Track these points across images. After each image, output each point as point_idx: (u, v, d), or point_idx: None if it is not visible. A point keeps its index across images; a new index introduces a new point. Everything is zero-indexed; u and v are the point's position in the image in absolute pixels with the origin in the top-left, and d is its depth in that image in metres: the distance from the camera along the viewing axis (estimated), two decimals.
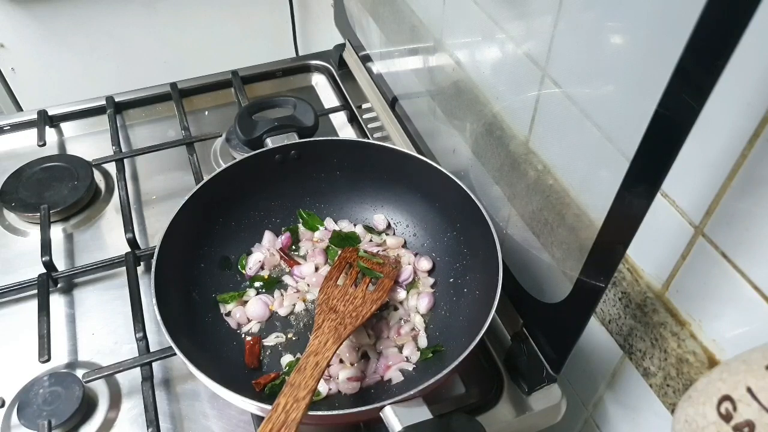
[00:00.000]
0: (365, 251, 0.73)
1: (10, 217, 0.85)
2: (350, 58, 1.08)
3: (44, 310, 0.69)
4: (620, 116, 0.50)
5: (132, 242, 0.77)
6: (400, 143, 0.92)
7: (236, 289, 0.71)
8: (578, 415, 0.71)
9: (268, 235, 0.76)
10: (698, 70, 0.33)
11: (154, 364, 0.66)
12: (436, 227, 0.75)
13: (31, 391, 0.63)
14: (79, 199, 0.85)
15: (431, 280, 0.72)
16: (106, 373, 0.64)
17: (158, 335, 0.69)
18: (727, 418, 0.37)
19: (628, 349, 0.58)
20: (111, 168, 0.90)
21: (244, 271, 0.73)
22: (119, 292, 0.75)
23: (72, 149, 0.95)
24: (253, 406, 0.54)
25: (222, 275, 0.72)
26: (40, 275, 0.73)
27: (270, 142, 0.76)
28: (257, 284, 0.72)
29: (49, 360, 0.65)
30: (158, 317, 0.57)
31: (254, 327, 0.68)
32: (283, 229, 0.77)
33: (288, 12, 1.51)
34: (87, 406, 0.64)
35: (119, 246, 0.78)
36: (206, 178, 0.69)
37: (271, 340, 0.67)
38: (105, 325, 0.73)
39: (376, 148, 0.74)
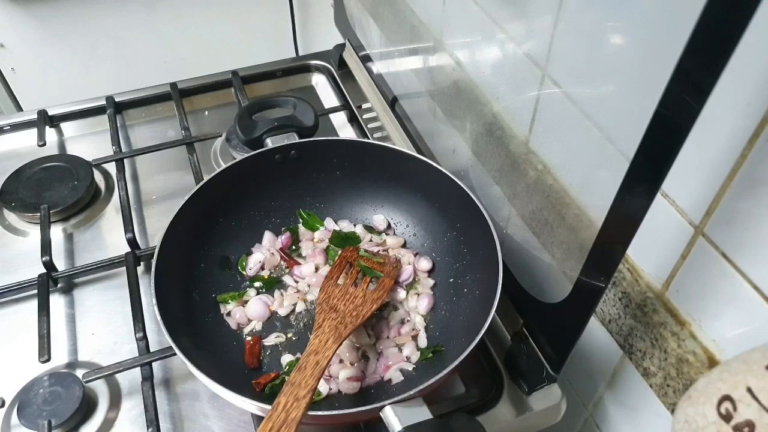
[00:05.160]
0: (366, 250, 0.73)
1: (10, 217, 0.85)
2: (350, 58, 1.08)
3: (44, 310, 0.69)
4: (620, 116, 0.50)
5: (132, 242, 0.77)
6: (400, 143, 0.92)
7: (236, 289, 0.71)
8: (578, 415, 0.71)
9: (268, 235, 0.76)
10: (698, 70, 0.33)
11: (154, 364, 0.66)
12: (436, 227, 0.75)
13: (31, 391, 0.63)
14: (79, 199, 0.85)
15: (431, 281, 0.72)
16: (106, 373, 0.64)
17: (158, 335, 0.69)
18: (727, 418, 0.37)
19: (628, 349, 0.58)
20: (111, 168, 0.90)
21: (244, 272, 0.73)
22: (119, 292, 0.75)
23: (72, 149, 0.95)
24: (253, 406, 0.54)
25: (222, 275, 0.72)
26: (40, 275, 0.73)
27: (270, 142, 0.76)
28: (257, 284, 0.72)
29: (49, 360, 0.65)
30: (158, 317, 0.57)
31: (254, 327, 0.68)
32: (283, 229, 0.77)
33: (288, 12, 1.51)
34: (87, 406, 0.64)
35: (119, 246, 0.78)
36: (206, 178, 0.69)
37: (271, 340, 0.67)
38: (105, 325, 0.73)
39: (376, 148, 0.74)
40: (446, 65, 0.77)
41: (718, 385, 0.39)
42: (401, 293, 0.71)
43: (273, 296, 0.71)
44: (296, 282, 0.73)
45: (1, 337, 0.72)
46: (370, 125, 0.99)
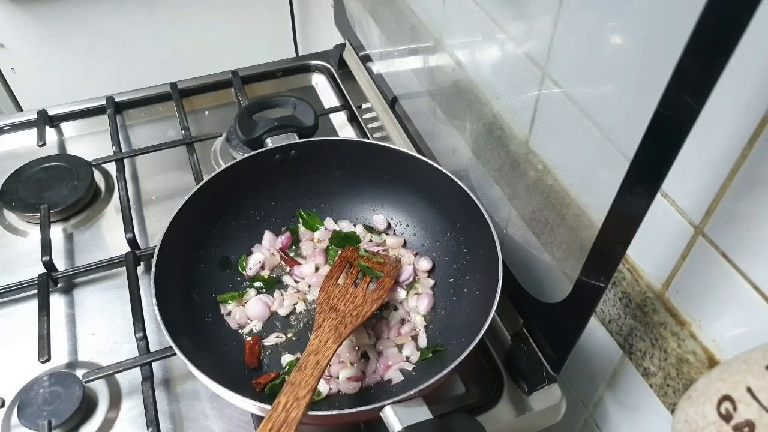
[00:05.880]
0: (366, 250, 0.73)
1: (10, 217, 0.85)
2: (350, 58, 1.08)
3: (44, 310, 0.69)
4: (620, 116, 0.50)
5: (132, 242, 0.77)
6: (400, 143, 0.92)
7: (236, 289, 0.71)
8: (578, 415, 0.71)
9: (268, 235, 0.76)
10: (698, 70, 0.33)
11: (154, 364, 0.66)
12: (436, 227, 0.75)
13: (31, 391, 0.63)
14: (79, 199, 0.85)
15: (431, 282, 0.72)
16: (106, 373, 0.64)
17: (158, 335, 0.69)
18: (727, 418, 0.37)
19: (628, 349, 0.58)
20: (111, 168, 0.90)
21: (244, 272, 0.73)
22: (119, 292, 0.75)
23: (72, 149, 0.95)
24: (253, 406, 0.54)
25: (222, 275, 0.72)
26: (40, 275, 0.73)
27: (270, 142, 0.76)
28: (257, 284, 0.72)
29: (49, 360, 0.65)
30: (158, 317, 0.57)
31: (254, 327, 0.68)
32: (283, 229, 0.77)
33: (288, 12, 1.52)
34: (87, 406, 0.64)
35: (119, 246, 0.78)
36: (206, 178, 0.69)
37: (271, 340, 0.67)
38: (105, 325, 0.73)
39: (376, 148, 0.74)
40: (446, 65, 0.77)
41: (718, 385, 0.39)
42: (401, 293, 0.71)
43: (273, 296, 0.71)
44: (296, 282, 0.73)
45: (1, 337, 0.72)
46: (370, 125, 0.99)
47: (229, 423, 0.64)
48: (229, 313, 0.69)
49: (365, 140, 0.78)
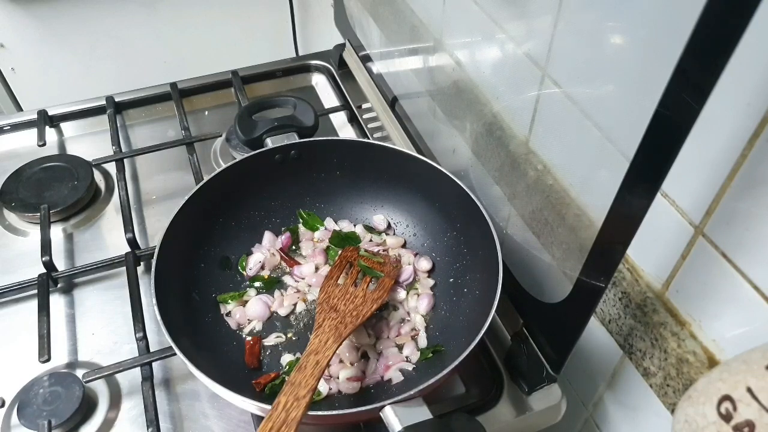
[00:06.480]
0: (366, 250, 0.73)
1: (10, 217, 0.85)
2: (350, 58, 1.08)
3: (44, 310, 0.69)
4: (620, 116, 0.50)
5: (132, 242, 0.77)
6: (400, 143, 0.92)
7: (236, 289, 0.71)
8: (578, 415, 0.71)
9: (268, 236, 0.76)
10: (698, 70, 0.33)
11: (154, 364, 0.66)
12: (436, 227, 0.75)
13: (31, 391, 0.63)
14: (79, 199, 0.85)
15: (431, 282, 0.72)
16: (106, 373, 0.64)
17: (158, 335, 0.69)
18: (727, 418, 0.37)
19: (628, 349, 0.58)
20: (111, 168, 0.90)
21: (244, 272, 0.73)
22: (119, 292, 0.75)
23: (72, 149, 0.95)
24: (253, 406, 0.54)
25: (222, 275, 0.72)
26: (40, 275, 0.73)
27: (270, 142, 0.76)
28: (257, 284, 0.72)
29: (49, 360, 0.65)
30: (158, 317, 0.57)
31: (254, 327, 0.68)
32: (283, 229, 0.77)
33: (288, 12, 1.52)
34: (87, 406, 0.64)
35: (119, 246, 0.78)
36: (206, 178, 0.69)
37: (271, 340, 0.67)
38: (105, 325, 0.73)
39: (376, 148, 0.74)
40: (446, 65, 0.77)
41: (718, 385, 0.39)
42: (401, 293, 0.71)
43: (273, 296, 0.71)
44: (296, 282, 0.73)
45: (1, 337, 0.72)
46: (370, 125, 0.99)
47: (229, 423, 0.64)
48: (229, 313, 0.69)
49: (365, 140, 0.78)
